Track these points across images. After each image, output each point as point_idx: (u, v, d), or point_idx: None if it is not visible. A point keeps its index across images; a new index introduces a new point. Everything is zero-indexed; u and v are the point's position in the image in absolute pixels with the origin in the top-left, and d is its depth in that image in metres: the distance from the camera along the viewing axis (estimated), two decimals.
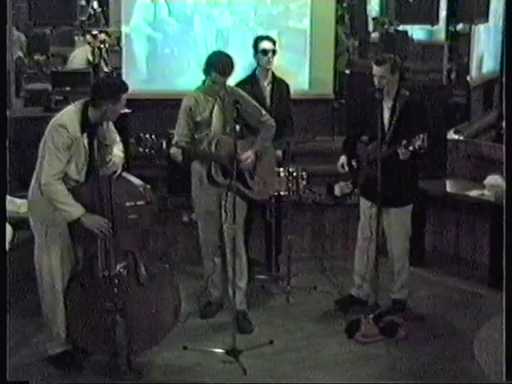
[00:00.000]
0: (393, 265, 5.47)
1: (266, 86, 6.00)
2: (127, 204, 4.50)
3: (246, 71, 6.06)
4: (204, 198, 5.20)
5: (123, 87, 4.52)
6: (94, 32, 4.67)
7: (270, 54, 5.91)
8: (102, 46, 4.60)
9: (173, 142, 5.02)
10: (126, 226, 4.50)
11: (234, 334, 4.84)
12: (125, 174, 4.62)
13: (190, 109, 5.15)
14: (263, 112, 5.31)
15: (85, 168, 4.50)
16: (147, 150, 4.72)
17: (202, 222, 5.33)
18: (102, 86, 4.57)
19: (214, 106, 5.13)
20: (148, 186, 4.63)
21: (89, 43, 4.60)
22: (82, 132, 4.44)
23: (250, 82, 5.92)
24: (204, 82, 5.18)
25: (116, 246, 4.48)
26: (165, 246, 6.39)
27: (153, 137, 4.73)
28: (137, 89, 7.09)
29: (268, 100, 5.96)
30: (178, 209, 6.47)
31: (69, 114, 4.46)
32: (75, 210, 4.39)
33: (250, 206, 5.36)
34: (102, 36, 4.62)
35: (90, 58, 8.58)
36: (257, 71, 6.01)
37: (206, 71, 5.09)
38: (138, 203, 4.51)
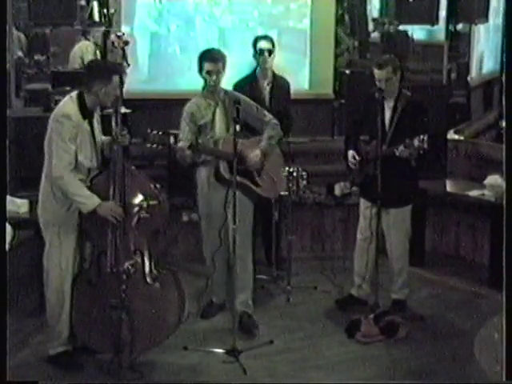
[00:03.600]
0: (393, 265, 5.48)
1: (266, 85, 6.01)
2: (140, 202, 4.51)
3: (247, 70, 6.07)
4: (208, 202, 5.22)
5: (114, 68, 4.60)
6: (119, 33, 4.71)
7: (266, 54, 5.93)
8: (125, 47, 4.63)
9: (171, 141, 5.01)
10: (137, 225, 4.51)
11: (234, 334, 4.85)
12: (138, 173, 4.62)
13: (192, 114, 5.18)
14: (266, 113, 5.35)
15: (94, 155, 4.55)
16: (155, 146, 4.76)
17: (204, 222, 5.34)
18: (93, 66, 4.66)
19: (215, 110, 5.17)
20: (159, 186, 4.64)
21: (113, 44, 4.62)
22: (84, 118, 4.48)
23: (250, 82, 5.97)
24: (204, 88, 5.22)
25: (125, 244, 4.49)
26: (165, 246, 6.38)
27: (160, 133, 4.76)
28: (138, 88, 7.11)
29: (267, 99, 5.97)
30: (178, 209, 6.47)
31: (68, 104, 4.50)
32: (91, 201, 4.42)
33: (255, 209, 5.37)
34: (125, 37, 4.66)
35: (87, 57, 8.59)
36: (257, 71, 6.04)
37: (199, 68, 5.16)
38: (151, 203, 4.52)
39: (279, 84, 6.09)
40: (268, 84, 6.03)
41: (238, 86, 5.76)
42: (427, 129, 5.11)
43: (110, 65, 4.84)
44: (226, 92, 5.24)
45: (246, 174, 5.13)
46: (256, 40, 6.03)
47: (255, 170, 5.22)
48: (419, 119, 5.22)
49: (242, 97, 5.26)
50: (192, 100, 5.26)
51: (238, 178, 4.95)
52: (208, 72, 5.12)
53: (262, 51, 5.94)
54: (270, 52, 5.96)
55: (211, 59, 5.14)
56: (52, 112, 4.58)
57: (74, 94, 4.55)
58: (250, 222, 5.28)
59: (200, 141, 5.15)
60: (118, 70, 4.60)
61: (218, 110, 5.17)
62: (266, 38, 6.05)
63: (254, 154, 5.18)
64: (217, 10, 7.28)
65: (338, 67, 7.79)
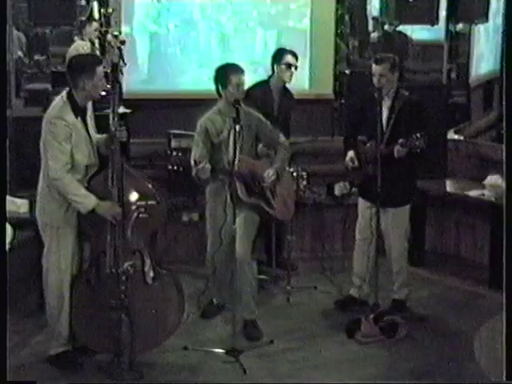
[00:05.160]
0: (392, 265, 5.47)
1: (278, 97, 6.08)
2: (138, 203, 4.50)
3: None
4: (217, 213, 5.20)
5: (95, 59, 4.63)
6: (116, 33, 4.74)
7: (292, 69, 6.03)
8: (122, 46, 4.66)
9: (191, 162, 4.92)
10: (136, 225, 4.50)
11: (234, 334, 4.85)
12: (136, 173, 4.62)
13: (207, 130, 5.13)
14: (280, 134, 5.34)
15: (91, 151, 4.55)
16: (176, 168, 4.76)
17: (210, 223, 5.32)
18: (75, 63, 4.63)
19: (231, 127, 5.00)
20: (158, 186, 4.64)
21: (109, 43, 4.63)
22: (76, 116, 4.48)
23: (262, 89, 6.01)
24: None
25: (125, 244, 4.48)
26: (165, 246, 6.38)
27: (180, 154, 4.77)
28: (138, 89, 7.11)
29: (276, 109, 6.04)
30: (178, 209, 6.47)
31: (59, 105, 4.50)
32: (89, 200, 4.42)
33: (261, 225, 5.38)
34: (122, 37, 4.69)
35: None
36: (271, 80, 6.09)
37: (224, 82, 5.06)
38: (150, 203, 4.51)
39: (287, 96, 6.18)
40: (279, 95, 6.09)
41: (250, 92, 5.73)
42: (425, 127, 5.11)
43: (90, 57, 4.88)
44: (243, 108, 5.03)
45: (261, 196, 5.16)
46: (280, 53, 6.07)
47: (269, 189, 5.21)
48: (416, 118, 5.22)
49: (258, 115, 5.23)
50: (206, 115, 5.19)
51: (254, 200, 5.05)
52: (238, 84, 5.02)
53: (289, 66, 6.00)
54: (296, 68, 6.06)
55: (240, 71, 5.06)
56: None
57: (64, 93, 4.54)
58: (252, 238, 5.23)
59: (214, 158, 5.10)
60: (100, 60, 4.61)
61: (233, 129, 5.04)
62: (292, 53, 6.09)
63: (269, 173, 5.16)
64: (223, 17, 7.29)
65: (337, 68, 7.80)
